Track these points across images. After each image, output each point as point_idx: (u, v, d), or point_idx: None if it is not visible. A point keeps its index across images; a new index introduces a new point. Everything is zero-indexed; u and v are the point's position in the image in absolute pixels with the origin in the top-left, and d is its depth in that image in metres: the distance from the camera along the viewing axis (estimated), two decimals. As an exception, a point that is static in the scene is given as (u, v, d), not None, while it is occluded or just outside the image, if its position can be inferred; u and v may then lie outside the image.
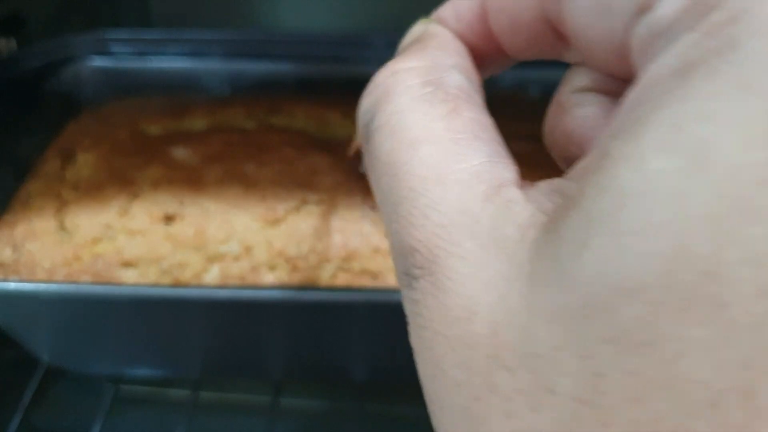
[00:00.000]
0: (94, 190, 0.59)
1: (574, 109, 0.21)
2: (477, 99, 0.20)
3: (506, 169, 0.18)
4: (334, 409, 0.86)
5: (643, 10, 0.15)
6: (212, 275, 0.56)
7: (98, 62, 0.73)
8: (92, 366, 0.65)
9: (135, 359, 0.62)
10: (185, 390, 0.87)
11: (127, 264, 0.56)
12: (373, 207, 0.57)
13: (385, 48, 0.73)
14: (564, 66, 0.74)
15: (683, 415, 0.11)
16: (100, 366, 0.64)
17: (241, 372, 0.65)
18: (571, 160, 0.21)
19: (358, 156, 0.69)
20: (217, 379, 0.83)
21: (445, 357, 0.15)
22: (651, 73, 0.14)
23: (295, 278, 0.56)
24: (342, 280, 0.55)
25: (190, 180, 0.59)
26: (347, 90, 0.73)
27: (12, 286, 0.53)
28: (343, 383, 0.82)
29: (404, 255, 0.17)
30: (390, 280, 0.55)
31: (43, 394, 0.86)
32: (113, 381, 0.64)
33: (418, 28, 0.23)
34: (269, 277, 0.56)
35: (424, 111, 0.19)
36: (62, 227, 0.59)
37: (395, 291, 0.52)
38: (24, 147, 0.66)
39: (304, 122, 0.66)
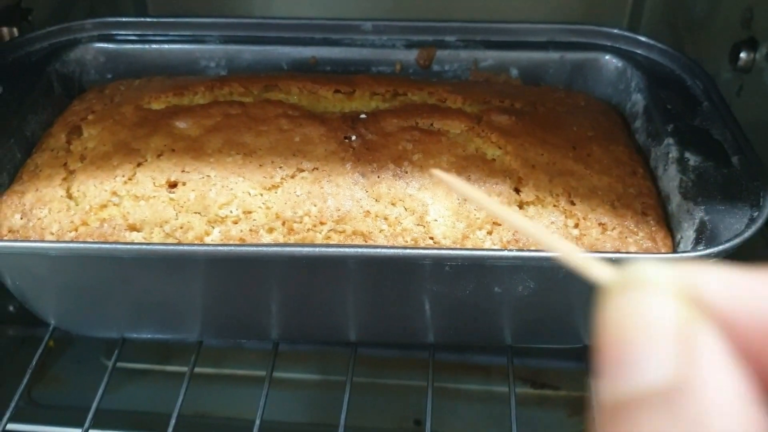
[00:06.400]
0: (99, 160, 0.63)
1: None
2: None
3: None
4: (325, 381, 0.90)
5: None
6: (213, 237, 0.59)
7: (101, 46, 0.77)
8: (96, 329, 0.68)
9: (138, 321, 0.65)
10: (180, 366, 0.90)
11: (133, 228, 0.60)
12: (363, 174, 0.61)
13: (372, 33, 0.77)
14: (538, 49, 0.78)
15: None
16: (104, 328, 0.67)
17: (240, 332, 0.68)
18: None
19: (348, 126, 0.72)
20: (214, 348, 0.85)
21: None
22: None
23: (291, 239, 0.59)
24: (335, 240, 0.59)
25: (192, 149, 0.62)
26: (336, 70, 0.78)
27: (23, 245, 0.56)
28: (334, 352, 0.85)
29: None
30: (380, 240, 0.59)
31: (44, 371, 0.89)
32: (111, 356, 0.67)
33: (664, 316, 0.15)
34: (267, 239, 0.59)
35: None
36: (69, 195, 0.62)
37: (385, 248, 0.56)
38: (31, 124, 0.69)
39: (297, 97, 0.70)
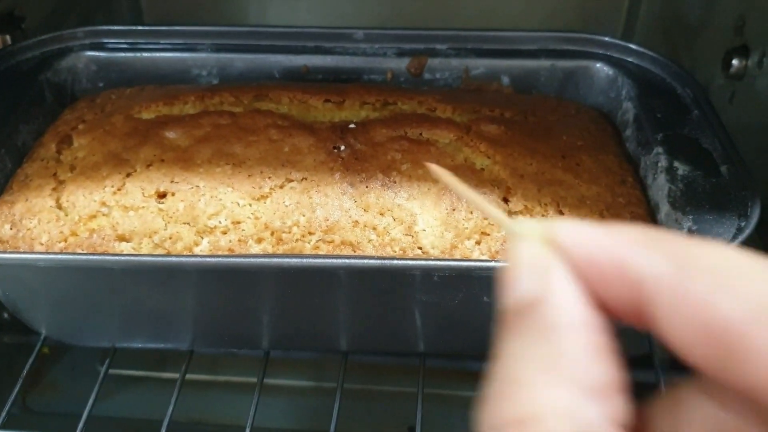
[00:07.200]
0: (89, 170, 0.63)
1: None
2: None
3: None
4: (316, 388, 0.90)
5: None
6: (202, 248, 0.60)
7: (92, 54, 0.77)
8: (88, 338, 0.68)
9: (129, 330, 0.65)
10: (174, 372, 0.90)
11: (122, 238, 0.60)
12: (352, 184, 0.61)
13: (364, 41, 0.77)
14: (529, 57, 0.78)
15: None
16: (95, 338, 0.67)
17: (230, 342, 0.68)
18: None
19: (338, 136, 0.72)
20: (206, 355, 0.86)
21: None
22: None
23: (280, 250, 0.59)
24: (324, 250, 0.59)
25: (181, 159, 0.62)
26: (328, 78, 0.78)
27: (12, 256, 0.56)
28: (325, 359, 0.85)
29: None
30: (368, 250, 0.59)
31: (39, 378, 0.89)
32: (104, 364, 0.67)
33: (530, 254, 0.23)
34: (256, 249, 0.59)
35: None
36: (59, 205, 0.62)
37: (373, 258, 0.56)
38: (21, 133, 0.69)
39: (288, 107, 0.70)
